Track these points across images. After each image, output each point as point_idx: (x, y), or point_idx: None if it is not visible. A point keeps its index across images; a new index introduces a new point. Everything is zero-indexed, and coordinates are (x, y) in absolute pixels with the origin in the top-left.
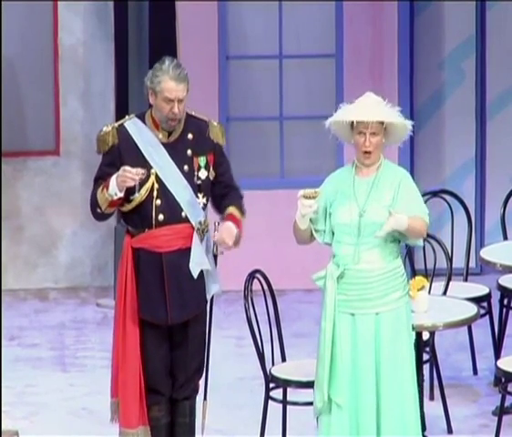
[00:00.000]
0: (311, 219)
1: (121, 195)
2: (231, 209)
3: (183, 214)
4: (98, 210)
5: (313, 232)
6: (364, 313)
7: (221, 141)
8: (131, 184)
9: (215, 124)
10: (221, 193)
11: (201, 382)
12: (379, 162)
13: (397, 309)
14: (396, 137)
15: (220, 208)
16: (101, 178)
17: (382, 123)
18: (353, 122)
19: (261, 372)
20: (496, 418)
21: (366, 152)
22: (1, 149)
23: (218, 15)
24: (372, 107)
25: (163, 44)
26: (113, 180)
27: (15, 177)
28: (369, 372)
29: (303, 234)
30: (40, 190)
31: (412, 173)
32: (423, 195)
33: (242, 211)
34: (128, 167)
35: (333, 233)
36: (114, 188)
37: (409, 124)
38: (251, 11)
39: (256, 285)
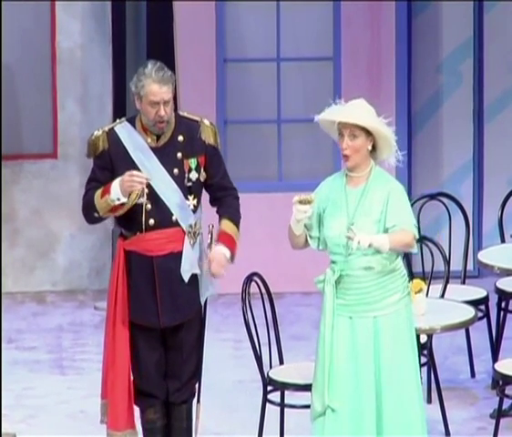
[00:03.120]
0: (305, 225)
1: (125, 200)
2: (224, 225)
3: (174, 218)
4: (96, 215)
5: (308, 239)
6: (363, 316)
7: (213, 142)
8: (139, 188)
9: (207, 124)
10: (216, 197)
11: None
12: (367, 170)
13: (396, 311)
14: (385, 152)
15: (217, 211)
16: (94, 180)
17: (364, 129)
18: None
19: (259, 375)
20: (493, 421)
21: (344, 155)
22: (0, 152)
23: (215, 17)
24: (353, 110)
25: (161, 46)
26: (115, 186)
27: (13, 180)
28: (368, 375)
29: (298, 240)
30: (38, 193)
31: (409, 176)
32: (421, 198)
33: (236, 221)
34: (135, 172)
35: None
36: (117, 194)
37: (393, 138)
38: (249, 13)
39: (254, 288)
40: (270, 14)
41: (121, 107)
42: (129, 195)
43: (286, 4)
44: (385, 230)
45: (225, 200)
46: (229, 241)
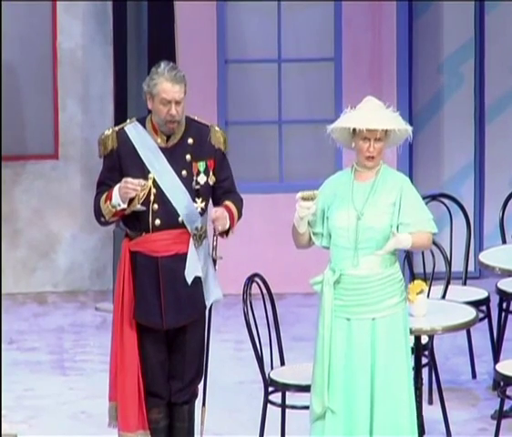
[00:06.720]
0: (309, 222)
1: (125, 206)
2: (228, 202)
3: (180, 219)
4: (102, 219)
5: (311, 235)
6: (360, 318)
7: (223, 147)
8: (133, 195)
9: (217, 129)
10: (221, 196)
11: (200, 387)
12: (378, 166)
13: (394, 314)
14: (395, 140)
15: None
16: (103, 183)
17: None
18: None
19: (260, 376)
20: (494, 422)
21: (370, 157)
22: (1, 153)
23: (216, 18)
24: (376, 114)
25: (162, 47)
26: (116, 192)
27: (14, 180)
28: (364, 377)
29: (302, 238)
30: (39, 194)
31: (410, 177)
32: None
33: (238, 209)
34: (129, 179)
35: (331, 236)
36: (117, 200)
37: (410, 129)
38: (250, 14)
39: (255, 289)
40: (271, 14)
41: (122, 108)
42: (130, 201)
43: (287, 4)
44: (398, 225)
45: (231, 196)
46: (229, 212)
